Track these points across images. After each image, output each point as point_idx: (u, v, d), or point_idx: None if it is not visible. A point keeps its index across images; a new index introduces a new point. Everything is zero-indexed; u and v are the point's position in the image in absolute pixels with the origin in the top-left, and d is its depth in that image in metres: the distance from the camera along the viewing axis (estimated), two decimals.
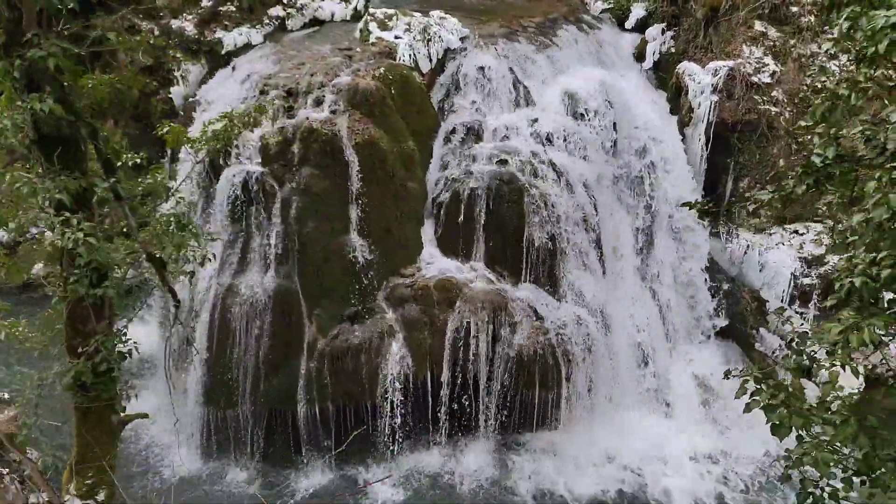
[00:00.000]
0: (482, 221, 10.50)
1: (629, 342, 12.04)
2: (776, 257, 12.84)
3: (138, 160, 6.40)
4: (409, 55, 11.48)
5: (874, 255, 3.78)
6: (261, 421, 10.34)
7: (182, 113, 11.38)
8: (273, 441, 10.49)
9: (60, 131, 5.26)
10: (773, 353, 12.07)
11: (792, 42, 12.10)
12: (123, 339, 5.86)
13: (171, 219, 5.85)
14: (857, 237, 4.03)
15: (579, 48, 13.02)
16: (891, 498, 3.26)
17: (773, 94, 12.12)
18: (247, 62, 11.31)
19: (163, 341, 11.53)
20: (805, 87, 12.17)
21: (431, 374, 10.27)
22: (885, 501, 3.19)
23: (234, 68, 11.41)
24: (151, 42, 12.89)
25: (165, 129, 6.36)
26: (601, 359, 11.12)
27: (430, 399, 10.45)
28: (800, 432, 3.97)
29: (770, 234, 13.20)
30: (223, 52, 12.05)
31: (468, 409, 10.64)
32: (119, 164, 6.12)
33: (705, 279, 12.52)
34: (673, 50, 13.20)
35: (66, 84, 5.21)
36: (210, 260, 6.39)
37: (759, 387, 4.21)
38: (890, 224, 3.62)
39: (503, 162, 10.63)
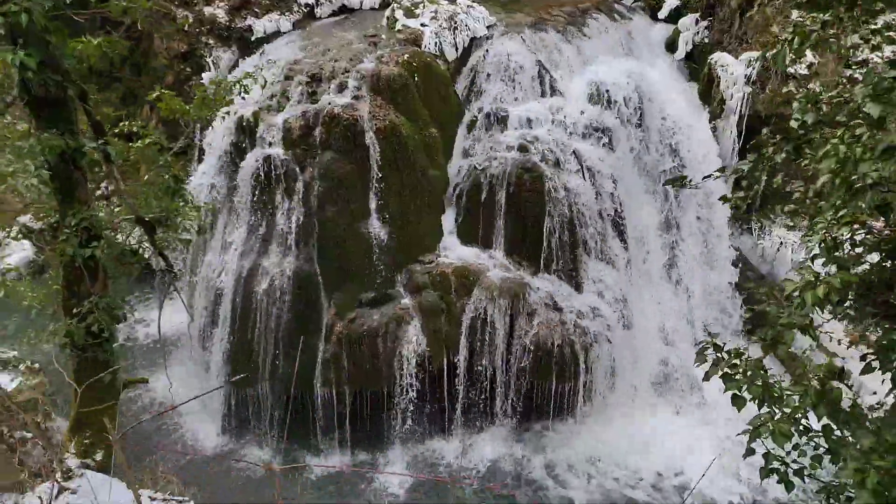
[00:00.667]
0: (502, 210, 10.45)
1: (652, 337, 11.85)
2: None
3: (134, 129, 6.52)
4: (435, 43, 11.47)
5: (835, 212, 3.65)
6: (279, 401, 10.52)
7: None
8: (291, 422, 10.64)
9: (48, 91, 5.35)
10: (804, 352, 11.69)
11: (831, 32, 11.64)
12: (120, 302, 5.99)
13: (161, 183, 5.94)
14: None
15: (609, 38, 12.81)
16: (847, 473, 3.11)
17: (809, 86, 11.71)
18: (274, 48, 11.47)
19: (190, 322, 11.85)
20: (844, 80, 11.72)
21: (447, 361, 10.27)
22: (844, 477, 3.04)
23: (262, 54, 11.59)
24: (185, 29, 13.28)
25: (156, 94, 6.45)
26: (621, 353, 10.96)
27: (445, 386, 10.46)
28: (772, 407, 3.84)
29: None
30: (253, 39, 12.25)
31: (484, 398, 10.61)
32: (117, 131, 6.22)
33: (733, 288, 12.18)
34: (707, 40, 12.87)
35: (51, 44, 5.27)
36: (206, 230, 6.47)
37: (718, 355, 4.09)
38: (842, 173, 3.46)
39: (525, 150, 10.55)
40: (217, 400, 11.25)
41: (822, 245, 3.81)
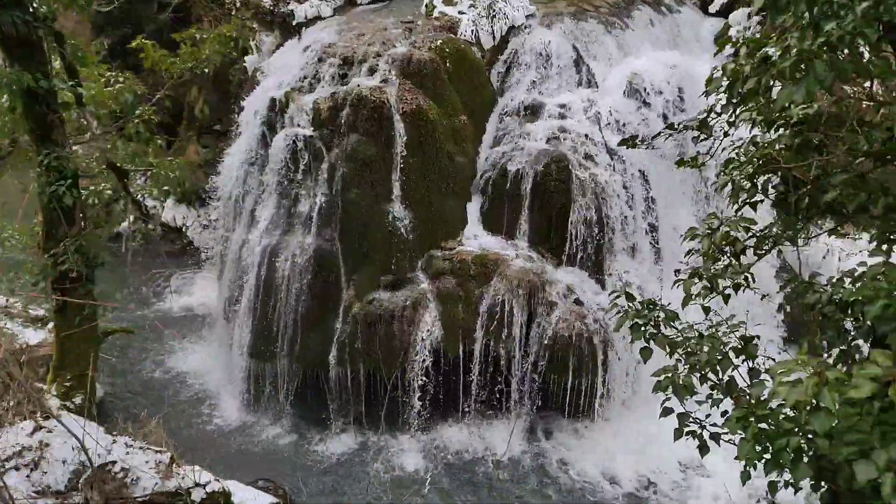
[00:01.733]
0: (528, 200, 10.29)
1: None
2: (856, 263, 11.72)
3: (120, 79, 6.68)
4: (472, 31, 11.40)
5: None
6: (295, 378, 10.68)
7: (252, 79, 11.90)
8: (306, 400, 10.80)
9: (17, 31, 5.49)
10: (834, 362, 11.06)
11: None
12: (98, 246, 6.15)
13: (129, 128, 6.07)
14: None
15: (654, 31, 12.44)
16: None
17: (866, 85, 11.03)
18: (312, 32, 11.66)
19: (220, 296, 12.19)
20: None
21: (463, 349, 10.19)
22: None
23: (299, 38, 11.81)
24: (232, 13, 13.66)
25: (136, 43, 6.58)
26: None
27: (460, 374, 10.38)
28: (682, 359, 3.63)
29: (855, 240, 12.10)
30: (294, 24, 12.48)
31: (498, 389, 10.48)
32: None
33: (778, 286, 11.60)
34: (758, 35, 12.31)
35: None
36: (180, 185, 6.57)
37: (629, 305, 3.89)
38: None
39: (554, 141, 10.36)
40: (241, 375, 11.53)
41: None
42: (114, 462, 4.29)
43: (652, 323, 3.82)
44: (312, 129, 10.00)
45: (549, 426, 10.84)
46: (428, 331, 9.95)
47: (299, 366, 10.48)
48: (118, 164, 5.97)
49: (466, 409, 10.71)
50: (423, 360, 10.06)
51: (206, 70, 7.27)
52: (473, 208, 10.89)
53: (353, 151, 9.85)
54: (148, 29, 16.66)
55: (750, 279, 4.11)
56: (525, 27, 11.75)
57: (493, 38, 11.67)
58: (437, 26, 11.32)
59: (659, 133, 5.10)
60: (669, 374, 3.57)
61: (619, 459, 10.20)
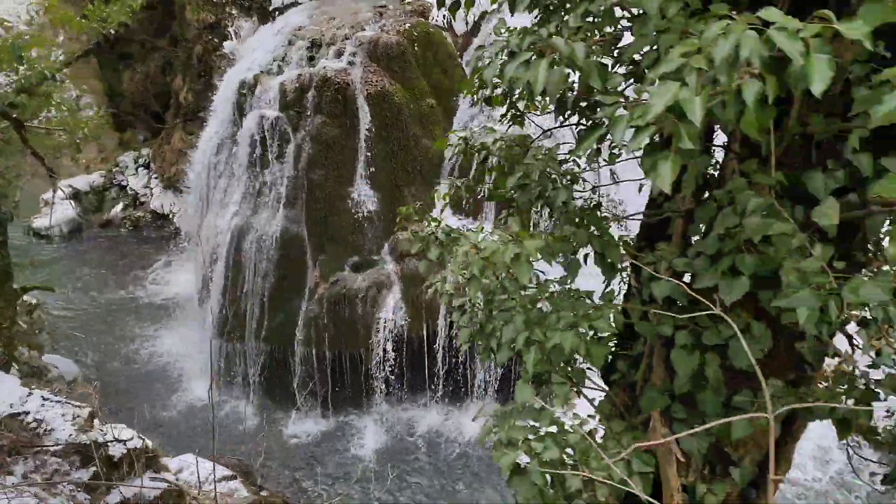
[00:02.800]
0: (491, 181, 10.32)
1: None
2: None
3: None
4: (444, 15, 11.46)
5: None
6: (262, 358, 10.80)
7: (227, 63, 12.01)
8: (274, 380, 10.92)
9: None
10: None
11: None
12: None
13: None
14: None
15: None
16: None
17: None
18: (287, 17, 11.75)
19: (196, 284, 12.31)
20: None
21: (427, 331, 10.28)
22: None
23: (273, 23, 11.91)
24: (213, 0, 13.79)
25: None
26: None
27: (425, 356, 10.47)
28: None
29: None
30: (271, 9, 12.59)
31: (466, 370, 10.56)
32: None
33: None
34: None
35: None
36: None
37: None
38: None
39: (520, 123, 10.39)
40: (214, 357, 11.66)
41: None
42: (27, 412, 4.40)
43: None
44: (279, 110, 10.10)
45: None
46: (391, 311, 10.04)
47: (266, 345, 10.59)
48: (14, 115, 6.00)
49: (434, 391, 10.80)
50: (387, 341, 10.15)
51: (113, 30, 7.29)
52: (442, 190, 10.92)
53: (317, 133, 9.94)
54: (139, 17, 16.87)
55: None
56: (496, 12, 11.78)
57: (467, 23, 11.73)
58: (409, 11, 11.39)
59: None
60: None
61: None
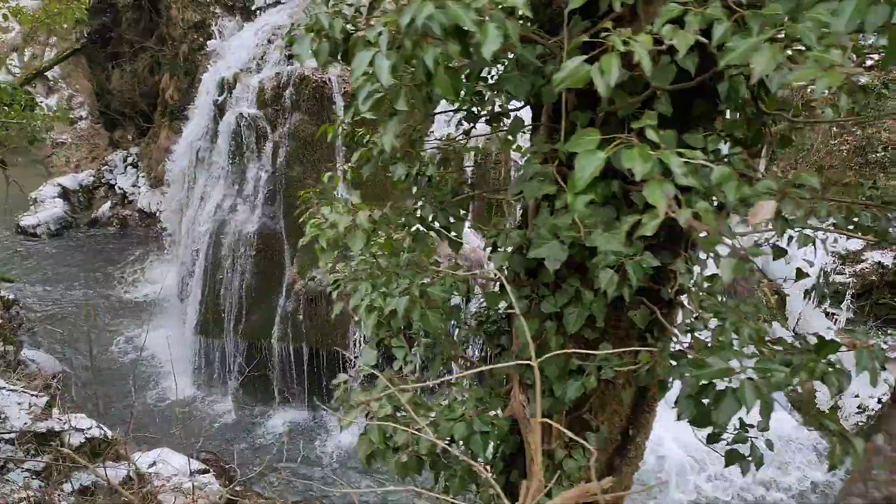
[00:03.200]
0: (468, 181, 10.41)
1: None
2: (808, 250, 11.82)
3: None
4: None
5: None
6: (241, 355, 10.87)
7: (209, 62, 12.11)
8: (253, 376, 10.97)
9: None
10: None
11: None
12: None
13: None
14: None
15: None
16: None
17: None
18: (267, 16, 11.84)
19: (177, 281, 12.38)
20: (852, 64, 11.07)
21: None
22: None
23: (254, 22, 12.00)
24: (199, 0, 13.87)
25: None
26: None
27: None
28: None
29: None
30: (254, 8, 12.68)
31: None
32: None
33: None
34: None
35: None
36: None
37: None
38: None
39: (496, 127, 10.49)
40: (192, 353, 11.75)
41: None
42: None
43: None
44: (257, 108, 10.18)
45: None
46: None
47: (244, 341, 10.66)
48: None
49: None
50: (362, 335, 10.21)
51: (65, 24, 7.38)
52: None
53: (295, 130, 10.02)
54: (128, 17, 16.99)
55: None
56: None
57: None
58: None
59: None
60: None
61: None
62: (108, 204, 18.75)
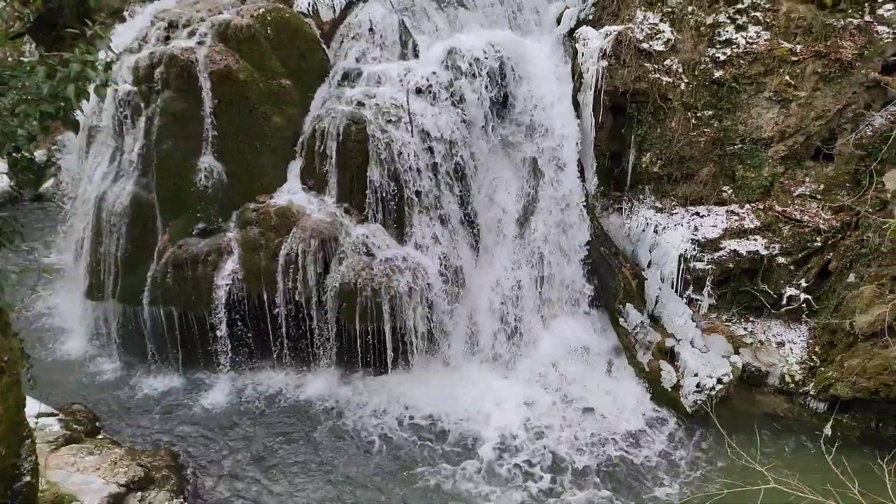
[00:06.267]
0: (333, 159, 11.05)
1: (492, 300, 12.14)
2: (669, 238, 12.34)
3: None
4: (308, 3, 12.20)
5: None
6: (118, 318, 11.60)
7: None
8: (131, 337, 11.70)
9: None
10: (634, 329, 11.68)
11: (690, 9, 11.52)
12: None
13: None
14: None
15: (495, 10, 13.12)
16: None
17: (665, 63, 11.62)
18: (157, 3, 12.52)
19: (73, 248, 13.08)
20: (707, 59, 11.56)
21: (268, 295, 10.97)
22: None
23: (148, 5, 12.70)
24: None
25: None
26: (444, 308, 11.36)
27: (269, 319, 11.18)
28: None
29: (671, 215, 12.69)
30: None
31: (304, 333, 11.28)
32: None
33: (582, 252, 12.26)
34: (591, 17, 12.94)
35: None
36: None
37: None
38: None
39: (361, 105, 11.12)
40: (87, 316, 12.50)
41: None
42: None
43: None
44: (134, 85, 10.88)
45: (354, 374, 11.61)
46: (230, 275, 10.78)
47: (120, 304, 11.38)
48: None
49: (281, 356, 11.51)
50: (227, 303, 10.88)
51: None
52: (295, 167, 11.68)
53: (165, 106, 10.71)
54: (70, 3, 17.77)
55: None
56: (363, 0, 12.51)
57: (334, 10, 12.46)
58: None
59: None
60: None
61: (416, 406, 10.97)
62: (52, 181, 19.59)
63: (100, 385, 11.56)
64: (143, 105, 10.90)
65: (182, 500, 8.83)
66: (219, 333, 11.14)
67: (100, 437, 10.04)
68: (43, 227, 17.48)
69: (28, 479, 2.92)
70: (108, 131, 11.40)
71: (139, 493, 8.52)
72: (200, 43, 10.82)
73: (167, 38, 11.15)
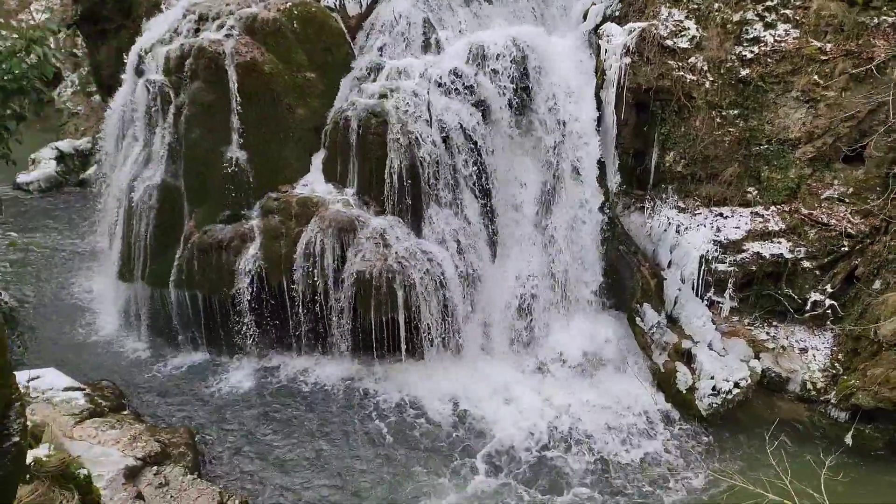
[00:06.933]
0: (354, 151, 11.27)
1: (508, 295, 12.20)
2: (691, 238, 12.18)
3: None
4: None
5: None
6: (147, 300, 12.09)
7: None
8: (159, 318, 12.18)
9: None
10: (650, 329, 11.58)
11: (716, 6, 11.30)
12: None
13: None
14: None
15: (520, 6, 13.12)
16: None
17: (690, 61, 11.45)
18: None
19: (108, 232, 13.68)
20: (733, 57, 11.34)
21: (287, 282, 11.28)
22: None
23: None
24: None
25: None
26: (459, 301, 11.47)
27: (288, 306, 11.49)
28: None
29: (694, 215, 12.51)
30: None
31: (323, 324, 11.55)
32: None
33: (600, 250, 12.21)
34: (617, 13, 12.82)
35: None
36: None
37: None
38: None
39: (382, 98, 11.29)
40: (119, 297, 13.06)
41: None
42: None
43: None
44: (164, 76, 11.29)
45: (371, 361, 11.85)
46: (251, 260, 11.12)
47: (149, 286, 11.86)
48: None
49: (298, 341, 11.82)
50: (248, 287, 11.22)
51: None
52: (317, 159, 11.95)
53: (194, 97, 11.09)
54: None
55: None
56: None
57: (360, 5, 12.66)
58: None
59: None
60: None
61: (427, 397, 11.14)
62: (96, 167, 20.41)
63: (128, 363, 12.07)
64: (173, 95, 11.31)
65: (196, 476, 9.18)
66: (240, 318, 11.50)
67: (125, 412, 10.51)
68: (83, 210, 18.26)
69: (17, 439, 3.18)
70: (141, 120, 11.85)
71: (155, 467, 8.89)
72: (228, 35, 11.15)
73: (197, 31, 11.52)
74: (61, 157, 20.96)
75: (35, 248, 16.03)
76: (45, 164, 20.23)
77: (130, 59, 12.06)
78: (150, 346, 12.44)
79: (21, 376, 9.63)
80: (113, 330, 12.91)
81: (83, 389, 10.04)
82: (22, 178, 19.66)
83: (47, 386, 9.69)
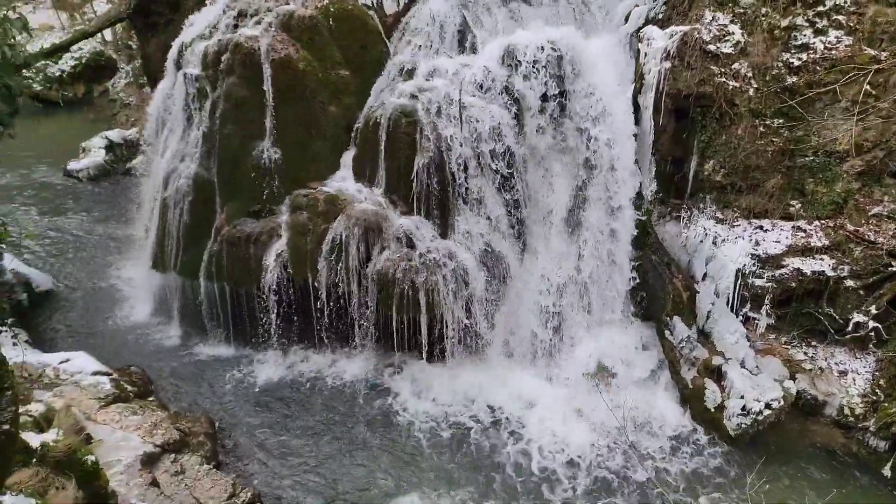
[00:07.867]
0: (382, 150, 11.24)
1: (534, 301, 12.00)
2: (728, 251, 11.74)
3: None
4: None
5: None
6: (179, 289, 12.34)
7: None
8: (190, 308, 12.42)
9: None
10: (679, 343, 11.21)
11: (764, 11, 10.82)
12: None
13: None
14: None
15: (558, 7, 12.87)
16: None
17: (733, 67, 11.00)
18: None
19: (144, 221, 14.04)
20: (779, 64, 10.85)
21: (313, 278, 11.33)
22: None
23: None
24: None
25: None
26: (483, 304, 11.34)
27: (313, 301, 11.55)
28: None
29: (733, 227, 12.05)
30: None
31: (344, 318, 11.57)
32: None
33: (631, 259, 11.87)
34: (661, 16, 12.44)
35: None
36: None
37: None
38: None
39: (413, 97, 11.22)
40: (153, 286, 13.39)
41: None
42: None
43: None
44: (201, 70, 11.49)
45: (391, 360, 11.83)
46: (276, 255, 11.22)
47: (180, 277, 12.10)
48: None
49: (321, 336, 11.89)
50: (274, 282, 11.33)
51: None
52: (348, 156, 11.98)
53: (229, 92, 11.25)
54: None
55: None
56: None
57: (398, 4, 12.63)
58: None
59: None
60: None
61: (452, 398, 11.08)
62: (142, 157, 21.00)
63: (158, 351, 12.36)
64: (209, 89, 11.49)
65: (213, 466, 9.30)
66: (266, 312, 11.63)
67: (150, 398, 10.76)
68: (127, 199, 18.80)
69: (6, 427, 3.25)
70: (179, 113, 12.09)
71: (173, 454, 9.06)
72: (265, 32, 11.26)
73: (236, 27, 11.68)
74: (110, 147, 21.63)
75: (77, 233, 16.59)
76: (94, 153, 20.92)
77: (172, 52, 12.32)
78: (181, 335, 12.71)
79: (53, 358, 9.96)
80: (145, 317, 13.24)
81: (110, 374, 10.31)
82: (72, 165, 20.38)
83: (76, 369, 9.99)
